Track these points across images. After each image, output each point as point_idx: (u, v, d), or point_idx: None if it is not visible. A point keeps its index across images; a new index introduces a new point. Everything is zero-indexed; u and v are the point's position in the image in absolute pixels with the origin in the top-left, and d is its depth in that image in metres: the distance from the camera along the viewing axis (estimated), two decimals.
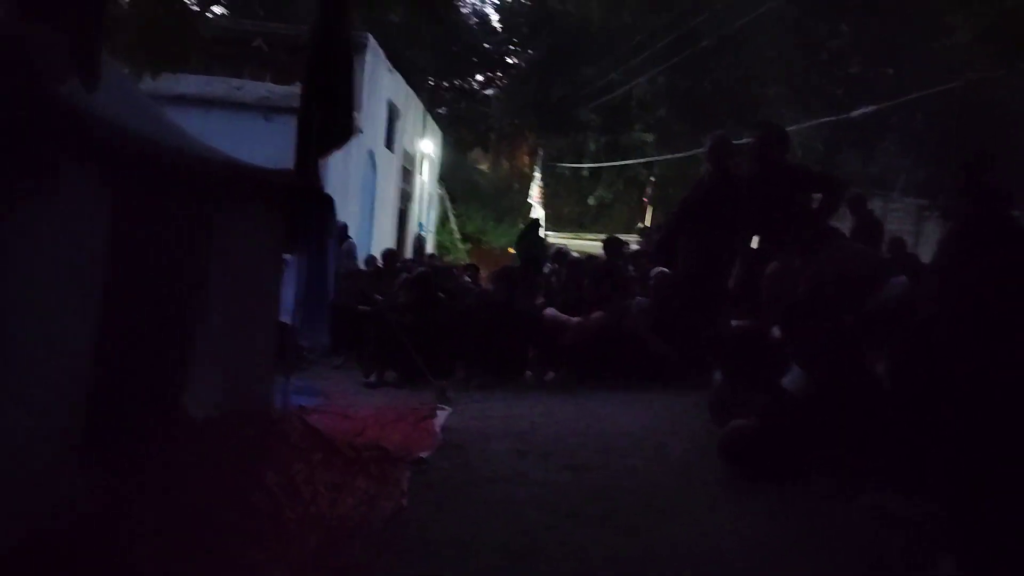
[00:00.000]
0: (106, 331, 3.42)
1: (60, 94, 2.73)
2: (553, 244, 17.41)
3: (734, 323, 5.88)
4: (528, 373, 7.90)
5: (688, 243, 7.53)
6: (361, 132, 13.62)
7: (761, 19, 19.96)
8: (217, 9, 10.24)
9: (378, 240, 17.62)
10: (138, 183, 3.60)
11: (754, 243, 7.03)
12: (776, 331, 5.05)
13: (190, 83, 12.77)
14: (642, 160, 26.11)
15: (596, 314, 7.70)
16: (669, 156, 23.39)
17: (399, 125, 19.82)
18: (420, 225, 23.53)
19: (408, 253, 20.39)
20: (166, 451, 3.94)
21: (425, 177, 23.78)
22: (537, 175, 24.40)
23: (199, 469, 3.89)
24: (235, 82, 14.44)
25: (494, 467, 4.61)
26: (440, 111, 29.37)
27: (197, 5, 7.61)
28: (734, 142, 8.09)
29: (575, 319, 7.74)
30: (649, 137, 27.46)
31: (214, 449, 4.22)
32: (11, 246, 2.77)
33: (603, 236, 12.82)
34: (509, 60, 33.94)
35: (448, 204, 27.83)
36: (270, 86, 14.51)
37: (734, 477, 4.30)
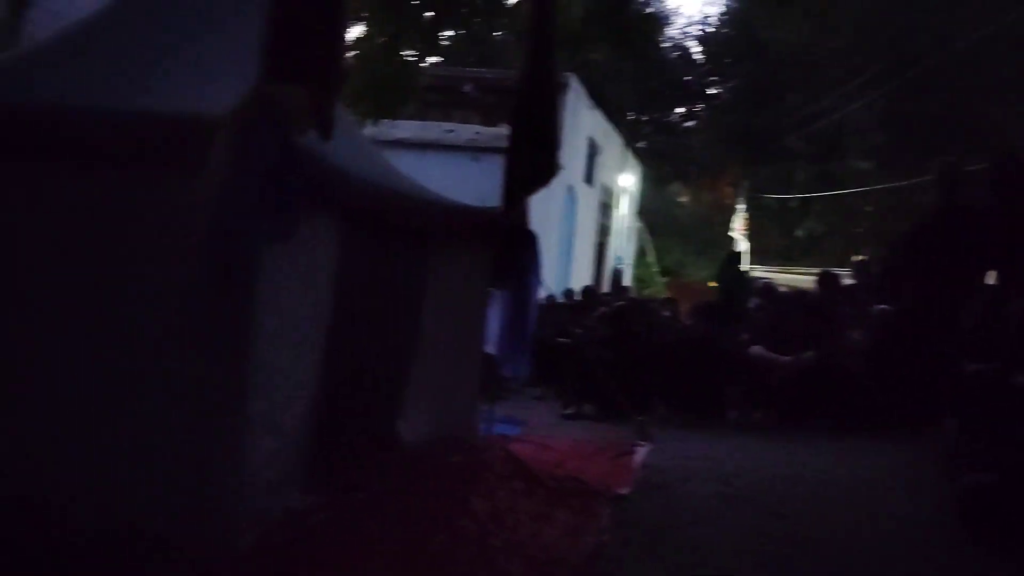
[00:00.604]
0: (331, 361, 3.72)
1: (304, 147, 3.04)
2: (758, 278, 16.71)
3: (971, 366, 5.32)
4: (731, 413, 7.60)
5: (913, 279, 6.94)
6: (562, 168, 13.93)
7: (998, 33, 18.17)
8: (431, 58, 10.97)
9: (576, 274, 17.84)
10: (362, 224, 3.92)
11: (992, 279, 6.35)
12: (1022, 377, 4.51)
13: (407, 128, 13.74)
14: (858, 190, 24.48)
15: (807, 353, 7.28)
16: (889, 185, 21.76)
17: (598, 160, 20.06)
18: (618, 258, 23.54)
19: (606, 287, 20.44)
20: (381, 474, 4.20)
21: (624, 211, 23.82)
22: (740, 207, 23.62)
23: (410, 492, 4.10)
24: (447, 126, 15.34)
25: (696, 510, 4.46)
26: (639, 145, 29.37)
27: (415, 56, 8.20)
28: (965, 170, 7.39)
29: (784, 357, 7.36)
30: (865, 165, 25.74)
31: (424, 474, 4.44)
32: (265, 288, 3.10)
33: (813, 270, 12.14)
34: (711, 91, 33.36)
35: (647, 237, 27.65)
36: (478, 128, 15.28)
37: (973, 541, 3.85)
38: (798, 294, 9.71)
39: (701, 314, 8.17)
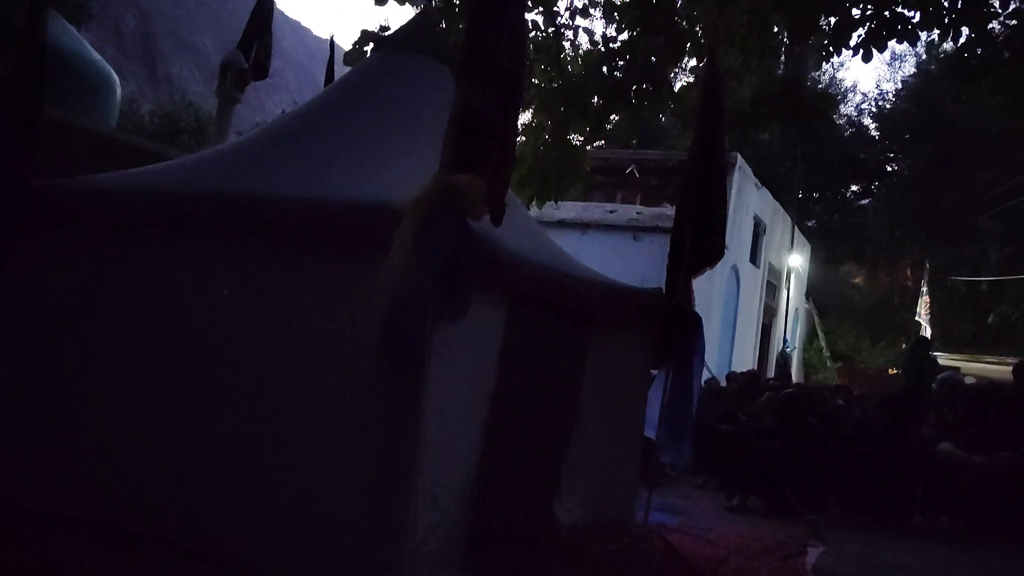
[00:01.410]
0: (491, 438, 3.77)
1: (478, 231, 3.19)
2: (945, 367, 15.37)
3: None
4: (916, 516, 6.93)
5: None
6: (727, 249, 13.66)
7: None
8: (596, 142, 11.25)
9: (739, 357, 17.19)
10: (528, 304, 4.00)
11: None
12: None
13: (570, 209, 14.03)
14: None
15: (1004, 453, 6.56)
16: None
17: (765, 240, 19.49)
18: (785, 341, 22.49)
19: (771, 371, 19.51)
20: (537, 556, 4.16)
21: (791, 292, 22.86)
22: (923, 289, 21.99)
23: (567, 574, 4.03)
24: (608, 206, 15.52)
25: None
26: (809, 224, 28.25)
27: (581, 140, 8.42)
28: None
29: (977, 458, 6.67)
30: None
31: (580, 559, 4.35)
32: (435, 366, 3.23)
33: (1007, 359, 11.01)
34: (888, 168, 31.73)
35: (817, 320, 26.29)
36: (639, 208, 15.35)
37: None
38: (992, 386, 8.83)
39: (885, 407, 7.57)
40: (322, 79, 8.19)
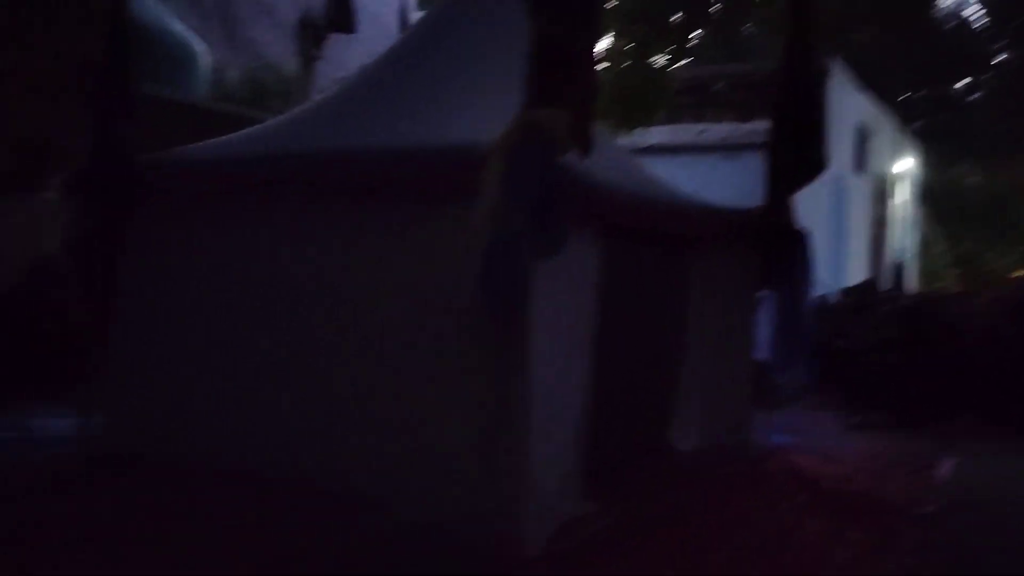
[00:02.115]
0: (600, 371, 3.75)
1: (567, 165, 3.11)
2: None
3: None
4: None
5: None
6: (829, 161, 13.01)
7: None
8: (680, 61, 10.79)
9: (849, 271, 16.50)
10: (623, 234, 3.91)
11: None
12: None
13: (658, 134, 13.60)
14: None
15: None
16: None
17: (869, 147, 18.45)
18: (899, 251, 21.44)
19: (886, 283, 18.67)
20: (655, 483, 4.15)
21: (902, 199, 21.67)
22: None
23: (686, 503, 4.01)
24: (698, 127, 14.95)
25: (1017, 536, 3.88)
26: (916, 125, 26.54)
27: (665, 62, 8.10)
28: None
29: None
30: None
31: (698, 483, 4.32)
32: (537, 304, 3.22)
33: None
34: (997, 58, 29.27)
35: (932, 226, 24.89)
36: (731, 126, 14.73)
37: None
38: None
39: (1011, 309, 7.11)
40: (396, 28, 8.13)
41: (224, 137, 4.63)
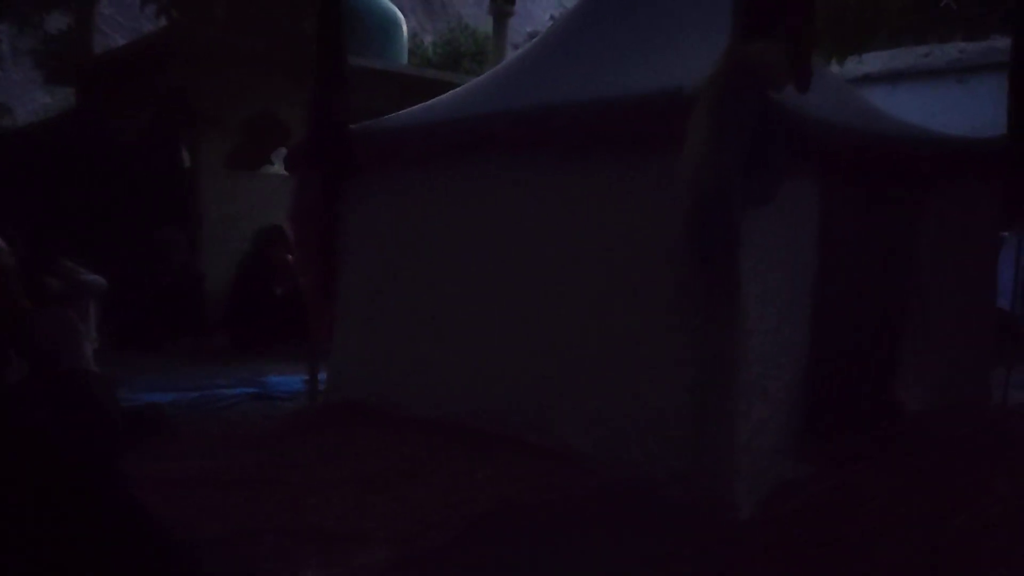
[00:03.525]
0: (820, 325, 3.53)
1: (783, 103, 2.91)
2: None
3: None
4: None
5: None
6: None
7: None
8: None
9: None
10: (844, 175, 3.62)
11: None
12: None
13: (875, 60, 12.42)
14: None
15: None
16: None
17: None
18: None
19: None
20: (883, 445, 3.88)
21: None
22: None
23: (914, 467, 3.72)
24: (921, 50, 13.48)
25: None
26: None
27: None
28: None
29: None
30: None
31: (933, 446, 3.99)
32: (749, 254, 3.08)
33: None
34: None
35: None
36: (961, 45, 13.13)
37: None
38: None
39: None
40: None
41: (427, 102, 4.79)
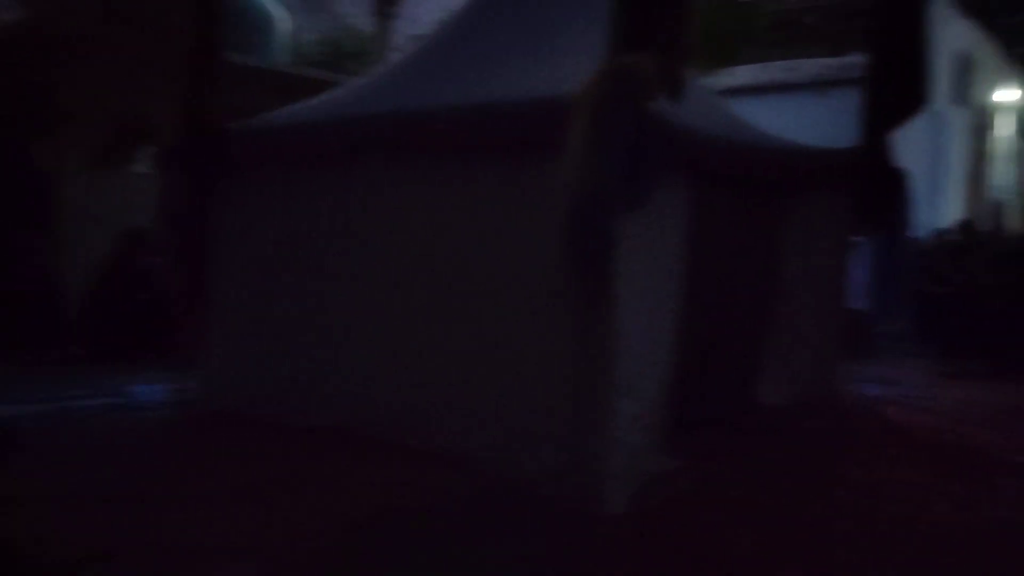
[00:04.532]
0: (687, 324, 3.69)
1: (657, 112, 3.02)
2: None
3: None
4: None
5: None
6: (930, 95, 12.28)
7: None
8: None
9: (947, 211, 15.68)
10: (712, 182, 3.80)
11: None
12: None
13: (744, 73, 13.07)
14: None
15: None
16: None
17: (970, 76, 17.32)
18: (1000, 189, 20.22)
19: (986, 223, 17.68)
20: (744, 438, 4.10)
21: (1005, 132, 20.34)
22: None
23: (773, 458, 3.95)
24: (786, 64, 14.31)
25: None
26: (1021, 51, 24.71)
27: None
28: None
29: None
30: None
31: (789, 439, 4.25)
32: (622, 257, 3.17)
33: None
34: None
35: None
36: (824, 61, 14.03)
37: None
38: None
39: None
40: None
41: (306, 102, 4.70)
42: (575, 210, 2.98)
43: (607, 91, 2.89)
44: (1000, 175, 20.46)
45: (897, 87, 4.78)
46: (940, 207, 15.82)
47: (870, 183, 4.87)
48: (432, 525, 3.07)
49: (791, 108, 12.28)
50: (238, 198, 4.45)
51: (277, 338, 4.28)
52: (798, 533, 3.15)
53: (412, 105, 3.82)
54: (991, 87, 19.20)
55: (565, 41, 3.84)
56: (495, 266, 3.54)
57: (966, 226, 10.55)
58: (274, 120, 4.49)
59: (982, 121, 18.90)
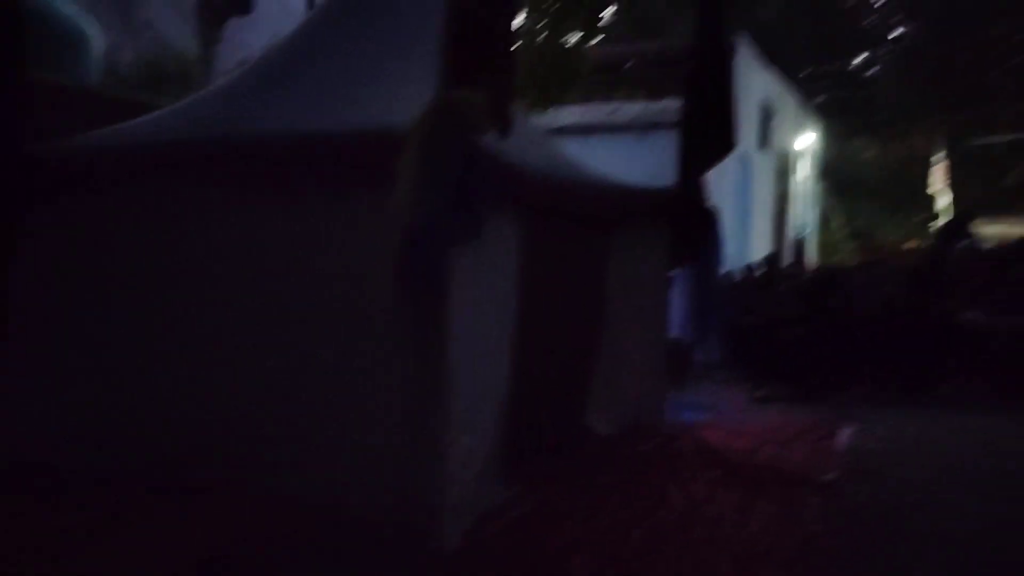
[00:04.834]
0: (520, 356, 3.77)
1: (486, 147, 3.09)
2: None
3: None
4: (944, 387, 6.97)
5: None
6: (738, 140, 13.34)
7: None
8: (592, 39, 10.82)
9: (754, 247, 17.06)
10: (541, 217, 3.92)
11: None
12: None
13: (570, 114, 13.67)
14: None
15: None
16: None
17: (773, 123, 19.06)
18: (800, 226, 22.29)
19: (787, 258, 19.40)
20: (575, 466, 4.22)
21: (803, 174, 22.50)
22: (939, 157, 21.58)
23: (601, 485, 4.09)
24: (609, 106, 15.12)
25: (916, 495, 4.13)
26: (818, 101, 27.54)
27: (578, 40, 8.14)
28: None
29: (1004, 322, 6.65)
30: None
31: (614, 464, 4.41)
32: (455, 290, 3.19)
33: None
34: (895, 33, 30.69)
35: (831, 200, 25.96)
36: (643, 105, 14.94)
37: None
38: (1014, 248, 8.71)
39: (909, 281, 7.52)
40: (302, 7, 7.91)
41: (122, 124, 4.41)
42: (406, 243, 2.97)
43: (437, 125, 2.93)
44: (800, 214, 22.55)
45: (708, 132, 5.17)
46: (748, 243, 17.17)
47: (685, 220, 5.22)
48: (261, 570, 2.92)
49: (614, 148, 12.97)
50: (42, 227, 4.07)
51: (91, 378, 3.90)
52: (626, 556, 3.27)
53: (237, 130, 3.68)
54: (792, 134, 21.20)
55: (395, 75, 3.84)
56: (327, 299, 3.44)
57: (770, 261, 11.54)
58: (85, 142, 4.17)
59: (784, 165, 20.80)
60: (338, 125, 3.46)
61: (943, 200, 20.02)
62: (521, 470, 3.78)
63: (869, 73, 31.36)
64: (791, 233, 21.83)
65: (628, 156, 11.82)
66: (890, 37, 30.87)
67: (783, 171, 20.92)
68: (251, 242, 3.61)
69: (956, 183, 23.24)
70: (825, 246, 24.26)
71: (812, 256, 21.86)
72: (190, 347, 3.70)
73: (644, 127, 14.03)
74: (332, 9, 4.78)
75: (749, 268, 12.08)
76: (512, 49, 3.25)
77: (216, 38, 8.51)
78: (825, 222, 25.69)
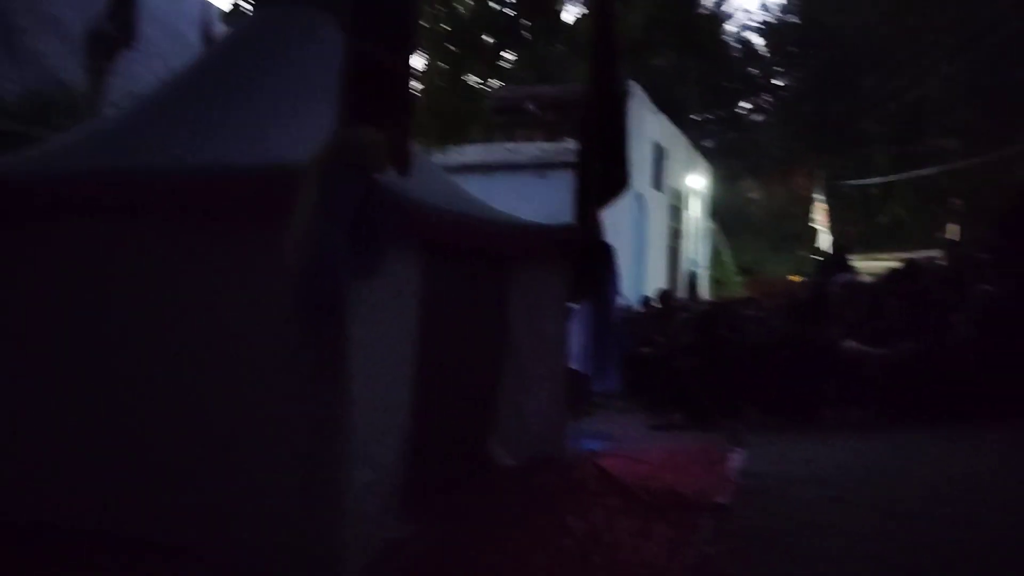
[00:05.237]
0: (422, 390, 3.79)
1: (384, 184, 3.13)
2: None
3: None
4: (827, 412, 7.37)
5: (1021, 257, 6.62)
6: (632, 179, 13.83)
7: None
8: (492, 82, 11.10)
9: (649, 281, 17.64)
10: (442, 253, 3.98)
11: None
12: None
13: (472, 152, 13.89)
14: (941, 168, 23.40)
15: (903, 344, 7.02)
16: (978, 160, 20.65)
17: (665, 164, 19.86)
18: (692, 262, 23.19)
19: (681, 292, 20.11)
20: (477, 498, 4.24)
21: (695, 213, 23.47)
22: (818, 197, 22.95)
23: (504, 515, 4.13)
24: (510, 146, 15.46)
25: (802, 515, 4.34)
26: (707, 144, 28.89)
27: (478, 82, 8.33)
28: None
29: (879, 350, 7.12)
30: (948, 143, 24.61)
31: (519, 494, 4.46)
32: (354, 325, 3.19)
33: (898, 256, 11.62)
34: (777, 82, 32.64)
35: (721, 237, 27.15)
36: (542, 145, 15.34)
37: None
38: (891, 282, 9.34)
39: (791, 312, 7.96)
40: (198, 43, 7.79)
41: (4, 158, 4.23)
42: (304, 277, 2.97)
43: (335, 162, 2.96)
44: (692, 250, 23.46)
45: (604, 171, 5.39)
46: (644, 277, 17.72)
47: (583, 255, 5.39)
48: None
49: (514, 186, 13.23)
50: None
51: None
52: None
53: (126, 164, 3.59)
54: (684, 174, 22.12)
55: (294, 111, 3.84)
56: (224, 337, 3.37)
57: (664, 294, 11.96)
58: None
59: (677, 203, 21.65)
60: (234, 160, 3.43)
61: (823, 237, 21.23)
62: (423, 504, 3.77)
63: (754, 119, 33.19)
64: (684, 268, 22.65)
65: (528, 194, 12.07)
66: (774, 85, 32.82)
67: (676, 209, 21.77)
68: (150, 279, 3.50)
69: (834, 221, 24.71)
70: (716, 280, 25.27)
71: (704, 290, 22.72)
72: (92, 391, 3.54)
73: (543, 166, 14.41)
74: (230, 45, 4.76)
75: (646, 300, 12.47)
76: (411, 88, 3.32)
77: (106, 70, 8.25)
78: (716, 257, 26.79)
